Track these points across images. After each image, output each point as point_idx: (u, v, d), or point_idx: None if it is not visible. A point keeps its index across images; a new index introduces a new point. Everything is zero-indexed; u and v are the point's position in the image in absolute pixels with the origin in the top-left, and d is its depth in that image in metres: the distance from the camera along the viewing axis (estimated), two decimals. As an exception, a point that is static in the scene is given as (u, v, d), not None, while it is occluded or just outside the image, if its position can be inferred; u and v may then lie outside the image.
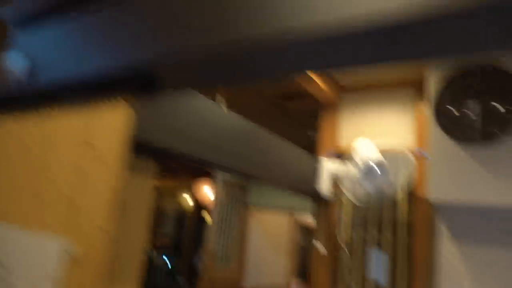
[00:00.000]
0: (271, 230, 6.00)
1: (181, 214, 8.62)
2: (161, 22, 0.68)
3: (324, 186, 2.21)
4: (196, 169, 6.38)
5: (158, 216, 9.06)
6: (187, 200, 8.48)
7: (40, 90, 0.85)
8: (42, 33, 0.91)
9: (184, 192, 8.21)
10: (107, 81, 0.70)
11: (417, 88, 2.22)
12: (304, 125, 3.44)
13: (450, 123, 1.66)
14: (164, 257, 7.29)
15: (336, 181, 2.24)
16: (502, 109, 1.64)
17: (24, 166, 0.86)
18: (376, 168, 1.91)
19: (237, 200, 5.19)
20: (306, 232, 7.31)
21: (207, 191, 6.08)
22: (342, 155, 2.27)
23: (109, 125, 0.71)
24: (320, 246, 2.45)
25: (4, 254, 0.83)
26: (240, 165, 1.70)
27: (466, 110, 1.69)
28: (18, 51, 0.99)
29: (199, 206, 7.80)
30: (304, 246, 7.26)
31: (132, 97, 0.70)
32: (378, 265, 2.19)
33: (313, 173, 2.26)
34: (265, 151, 1.86)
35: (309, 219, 7.11)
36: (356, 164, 1.93)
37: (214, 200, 4.83)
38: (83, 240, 0.70)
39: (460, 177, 1.77)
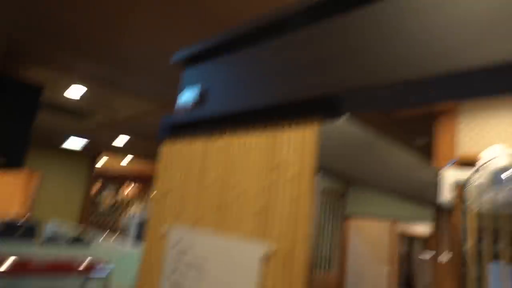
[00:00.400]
0: (372, 239, 5.84)
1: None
2: (344, 51, 0.77)
3: (446, 194, 2.13)
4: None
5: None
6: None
7: (221, 114, 1.01)
8: (217, 66, 1.08)
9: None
10: (293, 105, 0.82)
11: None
12: (412, 132, 3.33)
13: None
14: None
15: (459, 190, 2.14)
16: None
17: (211, 182, 1.02)
18: (508, 175, 1.80)
19: (335, 208, 5.17)
20: (409, 241, 6.96)
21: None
22: (465, 162, 2.17)
23: (294, 144, 0.81)
24: (442, 256, 2.36)
25: (200, 259, 0.97)
26: (356, 172, 1.74)
27: None
28: (193, 84, 1.18)
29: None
30: (407, 256, 6.90)
31: (316, 120, 0.80)
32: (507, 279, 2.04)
33: (432, 181, 2.20)
34: (379, 157, 1.87)
35: (413, 228, 6.76)
36: (485, 172, 1.83)
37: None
38: (280, 244, 0.81)
39: None
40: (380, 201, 5.00)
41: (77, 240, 3.17)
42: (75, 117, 4.27)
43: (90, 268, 2.45)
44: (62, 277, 2.27)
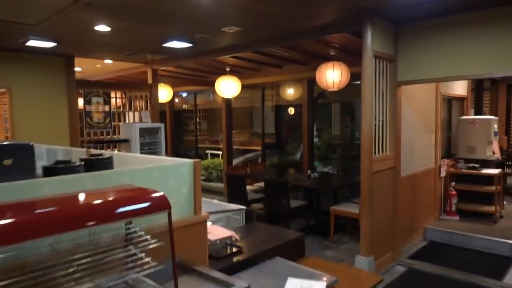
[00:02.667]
0: (420, 107, 5.09)
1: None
2: None
3: None
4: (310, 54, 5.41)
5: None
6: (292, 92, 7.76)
7: None
8: None
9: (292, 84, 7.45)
10: None
11: None
12: None
13: None
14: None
15: None
16: None
17: None
18: None
19: (386, 75, 4.25)
20: (448, 102, 6.28)
21: (330, 75, 5.18)
22: None
23: None
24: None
25: None
26: None
27: None
28: None
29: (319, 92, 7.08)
30: (448, 119, 6.30)
31: None
32: None
33: None
34: None
35: (452, 89, 6.03)
36: None
37: (363, 76, 3.94)
38: None
39: None
40: (426, 64, 4.12)
41: (88, 165, 2.19)
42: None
43: (127, 202, 1.50)
44: (89, 226, 1.33)
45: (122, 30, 4.34)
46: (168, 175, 2.14)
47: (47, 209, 1.31)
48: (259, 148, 8.93)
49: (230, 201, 6.23)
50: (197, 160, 2.28)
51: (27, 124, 5.45)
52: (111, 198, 1.52)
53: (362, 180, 4.00)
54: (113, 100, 6.76)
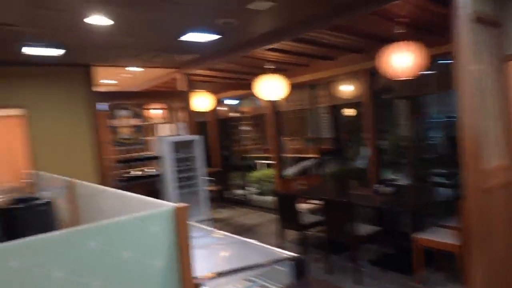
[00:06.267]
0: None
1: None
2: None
3: None
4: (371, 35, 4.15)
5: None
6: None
7: None
8: None
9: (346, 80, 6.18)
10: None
11: None
12: None
13: None
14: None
15: None
16: None
17: None
18: None
19: (489, 48, 2.92)
20: None
21: (399, 58, 3.89)
22: None
23: None
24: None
25: None
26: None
27: None
28: None
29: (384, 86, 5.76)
30: None
31: None
32: None
33: None
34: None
35: None
36: None
37: (458, 49, 2.66)
38: None
39: None
40: None
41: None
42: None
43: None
44: None
45: (125, 20, 3.46)
46: (119, 242, 1.11)
47: None
48: (316, 155, 7.78)
49: (282, 227, 5.13)
50: (181, 205, 1.24)
51: (47, 148, 4.84)
52: None
53: (467, 201, 2.70)
54: (151, 113, 6.03)
